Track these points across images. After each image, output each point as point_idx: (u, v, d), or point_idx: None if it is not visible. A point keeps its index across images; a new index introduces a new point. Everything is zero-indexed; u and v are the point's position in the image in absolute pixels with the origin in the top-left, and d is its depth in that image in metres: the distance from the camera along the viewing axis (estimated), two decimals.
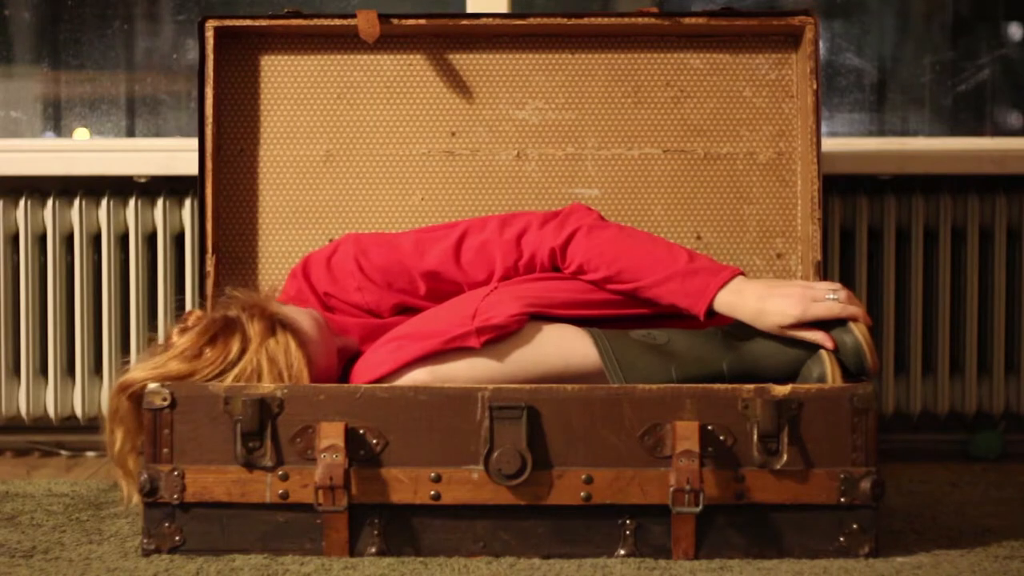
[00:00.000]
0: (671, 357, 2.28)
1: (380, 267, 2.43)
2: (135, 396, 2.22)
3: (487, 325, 2.24)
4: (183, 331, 2.27)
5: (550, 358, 2.27)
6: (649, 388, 2.20)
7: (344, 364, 2.39)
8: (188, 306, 3.14)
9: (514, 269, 2.38)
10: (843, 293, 2.26)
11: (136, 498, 2.25)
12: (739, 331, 2.32)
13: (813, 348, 2.27)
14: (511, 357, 2.25)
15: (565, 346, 2.27)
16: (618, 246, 2.33)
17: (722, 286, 2.27)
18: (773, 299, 2.25)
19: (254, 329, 2.23)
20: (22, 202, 3.15)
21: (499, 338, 2.25)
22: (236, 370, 2.22)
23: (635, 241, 2.34)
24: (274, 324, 2.25)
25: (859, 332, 2.25)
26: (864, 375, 2.26)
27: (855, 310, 2.24)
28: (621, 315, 2.34)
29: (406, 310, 2.45)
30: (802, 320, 2.24)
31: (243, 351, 2.23)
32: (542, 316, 2.29)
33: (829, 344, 2.23)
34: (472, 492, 2.19)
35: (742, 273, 2.30)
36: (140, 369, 2.24)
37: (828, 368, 2.23)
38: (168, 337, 2.30)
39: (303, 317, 2.30)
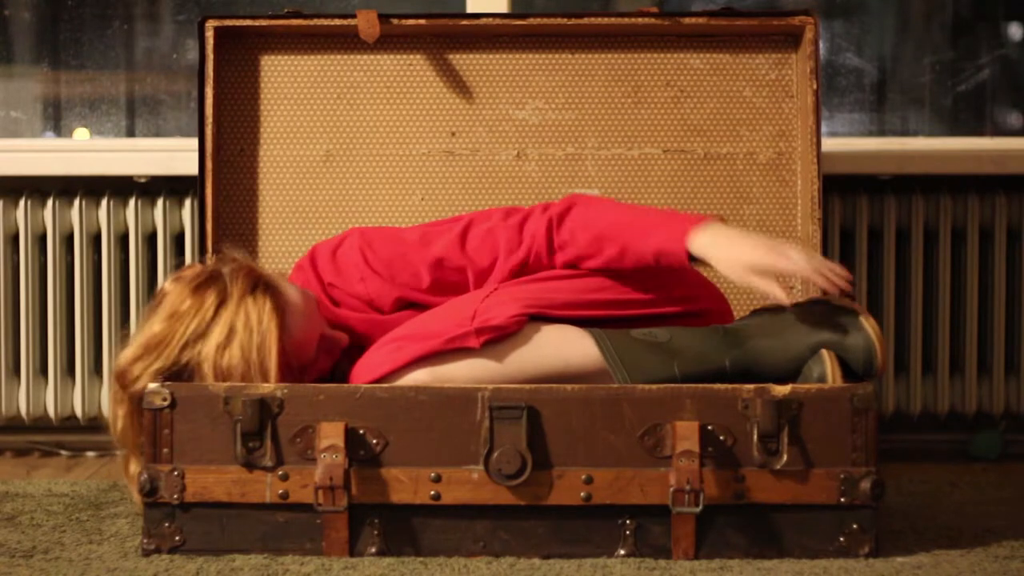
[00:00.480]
0: (673, 355, 2.28)
1: (385, 259, 2.43)
2: (128, 383, 2.25)
3: (486, 326, 2.24)
4: (176, 280, 2.28)
5: (550, 358, 2.27)
6: (649, 388, 2.20)
7: (334, 359, 2.38)
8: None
9: (516, 254, 2.37)
10: (817, 263, 2.23)
11: (133, 471, 2.28)
12: (741, 329, 2.32)
13: (815, 347, 2.27)
14: (511, 357, 2.25)
15: (565, 346, 2.27)
16: (604, 208, 2.34)
17: (700, 224, 2.26)
18: (742, 245, 2.24)
19: (236, 287, 2.24)
20: (22, 202, 3.15)
21: (499, 339, 2.25)
22: (216, 328, 2.22)
23: (622, 205, 2.36)
24: (257, 284, 2.25)
25: (871, 330, 2.25)
26: (872, 374, 2.26)
27: (821, 279, 2.22)
28: (621, 316, 2.34)
29: (409, 306, 2.44)
30: (757, 266, 2.22)
31: (220, 305, 2.23)
32: (542, 317, 2.29)
33: (780, 294, 2.22)
34: (472, 492, 2.19)
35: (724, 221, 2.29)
36: (130, 347, 2.26)
37: (828, 368, 2.23)
38: (161, 288, 2.30)
39: (292, 289, 2.31)
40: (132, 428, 2.27)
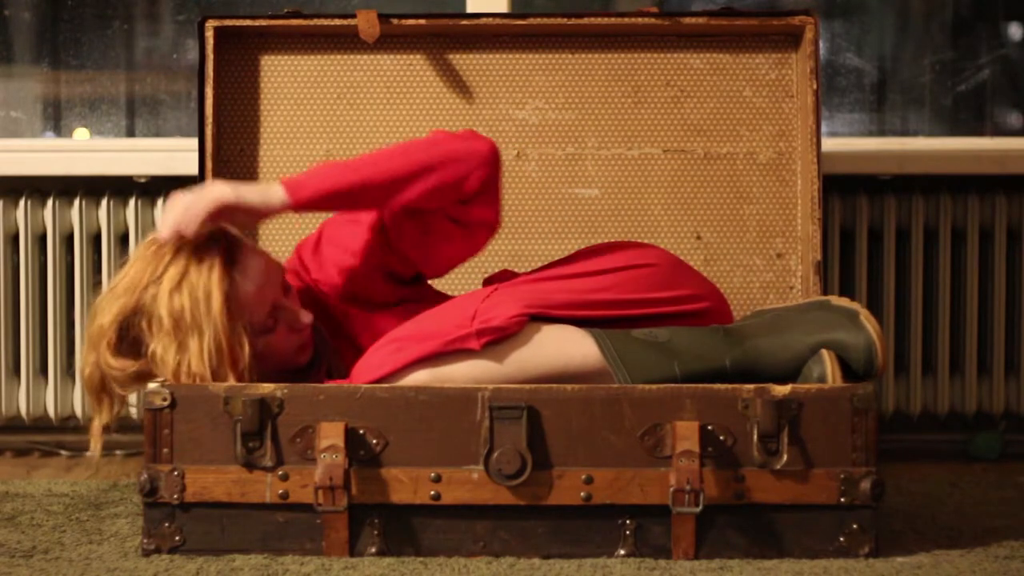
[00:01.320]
0: (674, 354, 2.28)
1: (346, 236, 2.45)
2: (93, 318, 2.27)
3: (487, 327, 2.24)
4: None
5: (551, 358, 2.27)
6: (649, 388, 2.20)
7: (305, 345, 2.36)
8: None
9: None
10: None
11: (96, 425, 2.28)
12: (741, 329, 2.32)
13: (816, 347, 2.27)
14: (512, 358, 2.25)
15: (566, 346, 2.27)
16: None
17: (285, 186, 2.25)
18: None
19: (194, 243, 2.24)
20: (22, 202, 3.15)
21: (499, 339, 2.25)
22: (171, 270, 2.23)
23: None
24: (219, 237, 2.26)
25: (872, 329, 2.25)
26: (872, 374, 2.26)
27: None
28: (621, 316, 2.34)
29: (401, 302, 2.44)
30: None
31: (178, 251, 2.24)
32: (542, 317, 2.29)
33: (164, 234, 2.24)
34: (472, 492, 2.19)
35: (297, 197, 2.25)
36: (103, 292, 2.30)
37: (828, 368, 2.23)
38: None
39: (259, 251, 2.30)
40: (97, 375, 2.27)
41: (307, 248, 2.49)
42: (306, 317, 2.34)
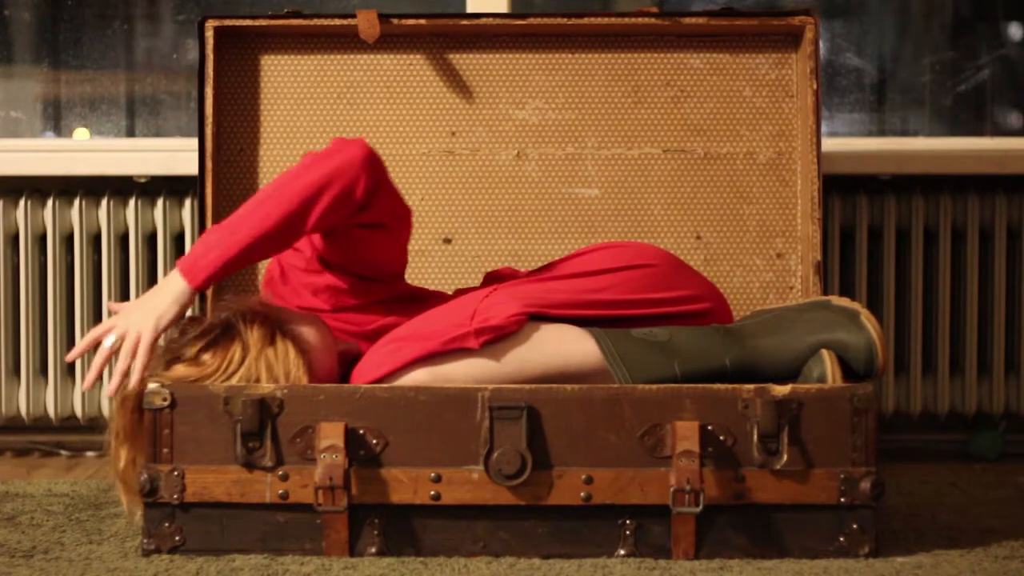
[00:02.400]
0: (674, 354, 2.28)
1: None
2: (140, 408, 2.23)
3: (486, 326, 2.24)
4: (183, 333, 2.27)
5: (551, 358, 2.27)
6: (649, 388, 2.20)
7: (344, 368, 2.39)
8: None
9: None
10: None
11: (139, 513, 2.25)
12: (741, 329, 2.32)
13: (816, 347, 2.27)
14: (511, 357, 2.25)
15: (566, 345, 2.27)
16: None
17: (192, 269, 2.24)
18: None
19: (252, 336, 2.23)
20: (22, 202, 3.15)
21: (498, 338, 2.25)
22: (235, 378, 2.22)
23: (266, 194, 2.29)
24: (274, 331, 2.24)
25: (872, 329, 2.25)
26: (873, 374, 2.25)
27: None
28: (620, 316, 2.34)
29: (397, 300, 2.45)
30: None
31: (243, 359, 2.22)
32: (541, 317, 2.29)
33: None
34: (472, 492, 2.19)
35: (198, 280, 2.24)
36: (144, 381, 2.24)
37: (828, 368, 2.23)
38: (168, 346, 2.28)
39: (304, 323, 2.29)
40: (136, 468, 2.25)
41: (275, 283, 2.46)
42: (355, 350, 2.36)
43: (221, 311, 2.27)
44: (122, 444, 2.24)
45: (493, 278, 2.52)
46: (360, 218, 2.31)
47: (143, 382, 2.20)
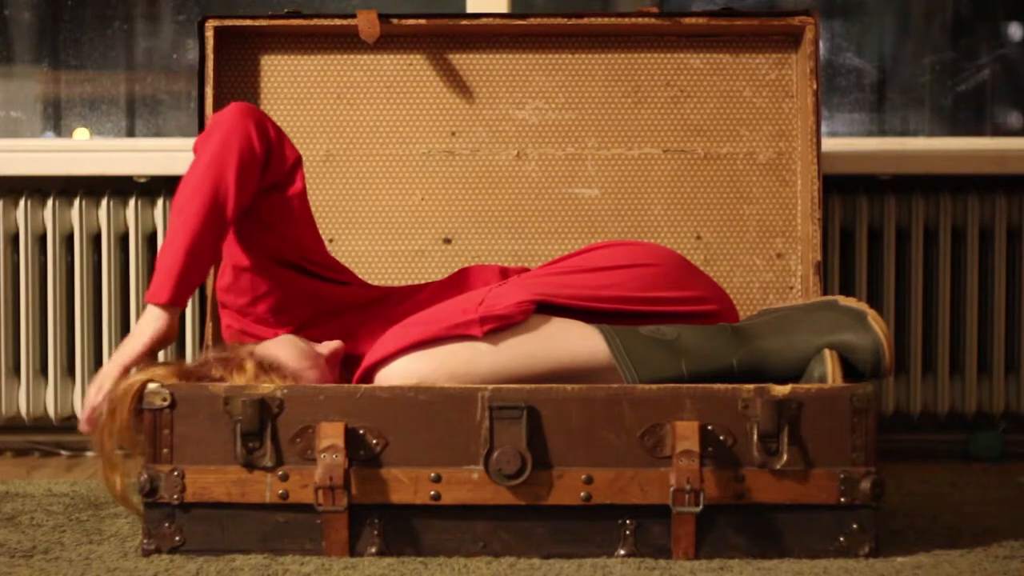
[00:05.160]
0: (681, 353, 2.27)
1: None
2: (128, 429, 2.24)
3: (490, 314, 2.23)
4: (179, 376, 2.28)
5: (558, 353, 2.26)
6: (649, 388, 2.20)
7: (340, 365, 2.39)
8: (188, 306, 3.14)
9: None
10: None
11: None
12: (748, 329, 2.32)
13: (823, 347, 2.26)
14: (518, 351, 2.25)
15: (573, 341, 2.27)
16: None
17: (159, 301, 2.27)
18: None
19: (237, 381, 2.23)
20: (22, 202, 3.15)
21: (504, 328, 2.24)
22: None
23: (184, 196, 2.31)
24: (257, 372, 2.25)
25: (879, 330, 2.25)
26: (880, 374, 2.25)
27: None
28: (628, 311, 2.33)
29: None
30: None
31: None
32: (548, 306, 2.29)
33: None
34: (472, 492, 2.19)
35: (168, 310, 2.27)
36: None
37: (829, 367, 2.23)
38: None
39: (282, 350, 2.30)
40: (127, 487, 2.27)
41: (239, 334, 2.47)
42: (342, 348, 2.37)
43: (200, 371, 2.28)
44: (114, 471, 2.24)
45: (507, 275, 2.51)
46: (267, 176, 2.32)
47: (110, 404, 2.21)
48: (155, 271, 2.27)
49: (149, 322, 2.26)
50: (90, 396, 2.24)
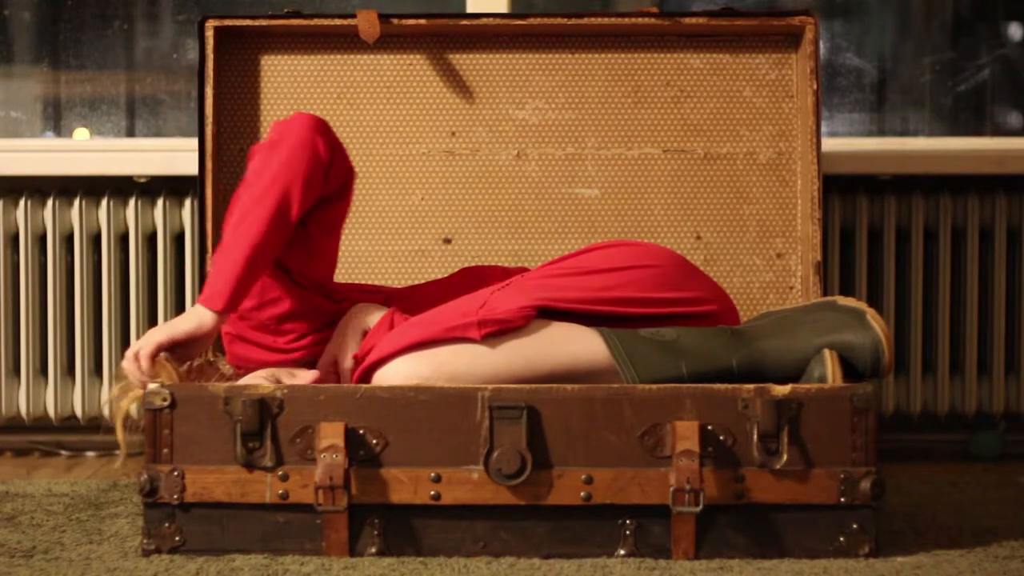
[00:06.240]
0: (681, 354, 2.27)
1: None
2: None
3: (490, 318, 2.24)
4: None
5: (558, 356, 2.26)
6: (649, 388, 2.20)
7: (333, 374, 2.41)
8: (188, 306, 3.14)
9: None
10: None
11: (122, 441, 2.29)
12: (748, 330, 2.32)
13: (822, 348, 2.26)
14: (517, 353, 2.25)
15: (573, 344, 2.27)
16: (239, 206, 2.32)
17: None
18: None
19: None
20: (22, 202, 3.15)
21: (504, 332, 2.24)
22: None
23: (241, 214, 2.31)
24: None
25: (879, 329, 2.25)
26: (879, 374, 2.25)
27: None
28: (629, 313, 2.33)
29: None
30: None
31: None
32: (550, 311, 2.29)
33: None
34: (472, 492, 2.19)
35: (219, 313, 2.27)
36: None
37: (829, 367, 2.23)
38: None
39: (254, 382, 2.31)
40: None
41: (244, 359, 2.49)
42: (330, 356, 2.38)
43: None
44: (124, 396, 2.28)
45: (509, 275, 2.51)
46: (325, 189, 2.34)
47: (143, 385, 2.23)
48: (212, 274, 2.28)
49: (198, 319, 2.26)
50: (128, 362, 2.25)
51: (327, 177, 2.33)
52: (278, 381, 2.30)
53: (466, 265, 2.80)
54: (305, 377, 2.34)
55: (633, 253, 2.40)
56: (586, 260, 2.40)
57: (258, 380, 2.30)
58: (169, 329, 2.25)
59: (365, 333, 2.40)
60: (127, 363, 2.25)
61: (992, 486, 2.81)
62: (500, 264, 2.81)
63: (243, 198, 2.29)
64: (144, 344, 2.25)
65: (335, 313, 2.46)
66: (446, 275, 2.76)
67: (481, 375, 2.24)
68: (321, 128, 2.33)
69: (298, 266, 2.41)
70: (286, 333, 2.44)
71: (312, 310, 2.44)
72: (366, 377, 2.29)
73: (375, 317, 2.40)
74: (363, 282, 2.73)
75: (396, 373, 2.25)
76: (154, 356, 2.24)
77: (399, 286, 2.79)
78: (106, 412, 3.11)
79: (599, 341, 2.27)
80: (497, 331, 2.24)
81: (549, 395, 2.19)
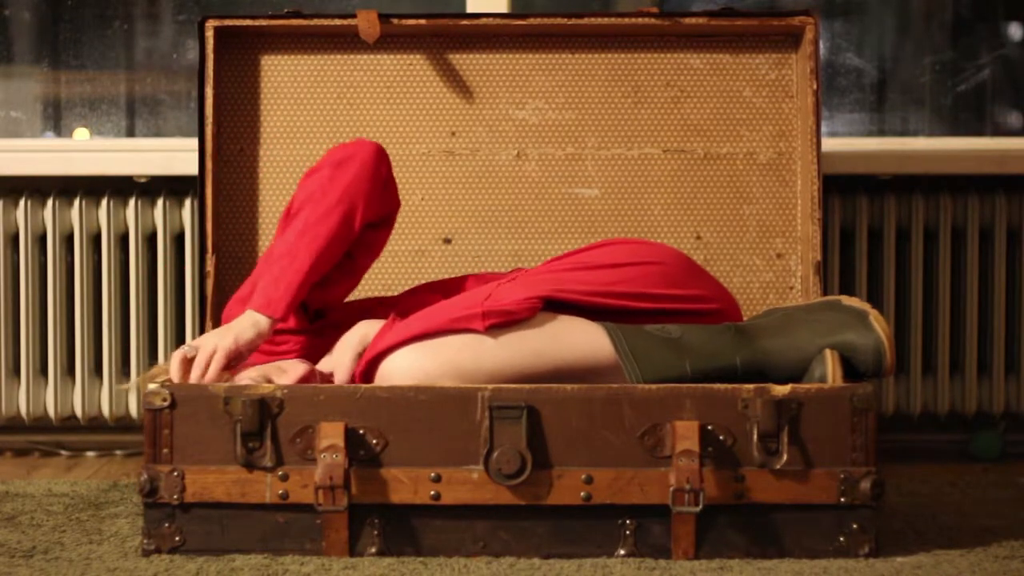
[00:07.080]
0: (685, 351, 2.27)
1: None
2: None
3: (493, 309, 2.23)
4: None
5: (564, 349, 2.26)
6: (649, 388, 2.20)
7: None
8: (188, 306, 3.14)
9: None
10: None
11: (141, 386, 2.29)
12: (752, 328, 2.32)
13: (825, 347, 2.26)
14: (522, 347, 2.24)
15: (579, 337, 2.27)
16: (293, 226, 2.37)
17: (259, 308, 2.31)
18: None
19: None
20: (22, 202, 3.15)
21: (509, 324, 2.24)
22: None
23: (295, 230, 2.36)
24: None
25: (881, 330, 2.25)
26: (881, 374, 2.25)
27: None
28: (633, 308, 2.33)
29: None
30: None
31: None
32: (555, 302, 2.28)
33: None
34: (472, 492, 2.19)
35: (272, 319, 2.31)
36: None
37: (829, 367, 2.23)
38: None
39: (281, 378, 2.33)
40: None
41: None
42: (301, 375, 2.38)
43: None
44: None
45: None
46: (380, 210, 2.42)
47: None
48: (269, 281, 2.31)
49: (256, 327, 2.29)
50: (197, 367, 2.27)
51: (383, 203, 2.42)
52: (268, 380, 2.30)
53: (466, 265, 2.81)
54: (295, 371, 2.34)
55: (638, 250, 2.40)
56: (591, 256, 2.40)
57: (246, 380, 2.30)
58: (235, 338, 2.28)
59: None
60: (196, 369, 2.26)
61: (992, 486, 2.81)
62: (500, 265, 2.81)
63: (309, 209, 2.34)
64: (217, 354, 2.27)
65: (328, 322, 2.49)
66: (446, 275, 2.77)
67: (486, 368, 2.23)
68: (384, 155, 2.42)
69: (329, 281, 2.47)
70: (290, 333, 2.45)
71: (318, 328, 2.47)
72: (369, 370, 2.28)
73: (376, 329, 2.40)
74: (362, 295, 2.75)
75: (400, 365, 2.23)
76: (226, 366, 2.28)
77: (399, 286, 2.79)
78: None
79: (604, 336, 2.27)
80: (502, 322, 2.23)
81: (549, 395, 2.19)
